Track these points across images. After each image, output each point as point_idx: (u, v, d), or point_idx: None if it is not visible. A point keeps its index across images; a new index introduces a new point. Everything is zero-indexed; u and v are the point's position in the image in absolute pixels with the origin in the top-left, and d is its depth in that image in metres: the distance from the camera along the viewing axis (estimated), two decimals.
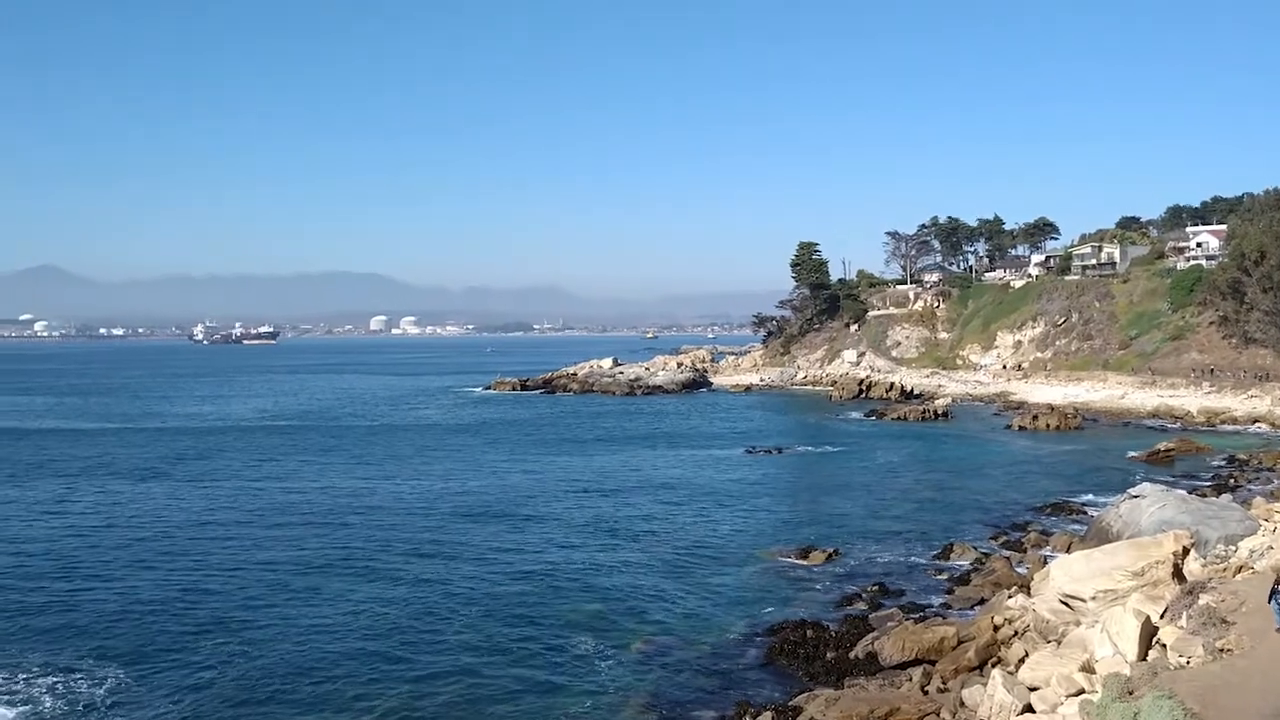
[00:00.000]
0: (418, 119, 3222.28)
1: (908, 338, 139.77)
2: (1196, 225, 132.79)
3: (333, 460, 68.51)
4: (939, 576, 36.16)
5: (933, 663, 24.98)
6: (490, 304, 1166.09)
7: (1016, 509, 48.84)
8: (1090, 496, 51.01)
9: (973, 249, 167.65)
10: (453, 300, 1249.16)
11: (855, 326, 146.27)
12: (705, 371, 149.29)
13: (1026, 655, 22.44)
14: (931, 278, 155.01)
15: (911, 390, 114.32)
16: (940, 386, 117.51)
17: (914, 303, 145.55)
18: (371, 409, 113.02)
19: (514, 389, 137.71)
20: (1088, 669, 19.34)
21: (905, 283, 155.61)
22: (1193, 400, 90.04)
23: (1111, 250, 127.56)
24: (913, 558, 39.12)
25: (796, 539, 42.05)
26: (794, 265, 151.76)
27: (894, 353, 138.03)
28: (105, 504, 51.60)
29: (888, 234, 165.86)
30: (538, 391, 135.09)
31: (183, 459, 69.47)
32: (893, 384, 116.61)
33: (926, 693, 22.98)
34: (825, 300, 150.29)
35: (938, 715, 21.25)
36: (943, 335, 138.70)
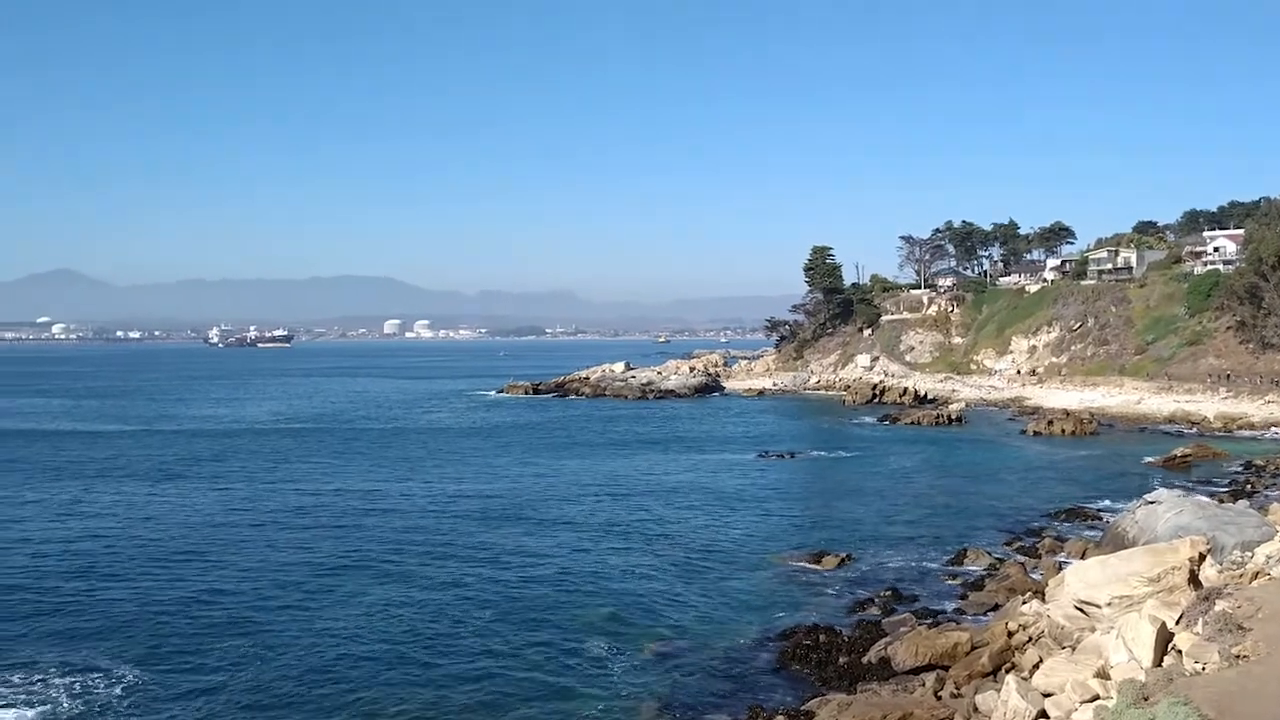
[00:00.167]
0: (431, 122, 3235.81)
1: (921, 342, 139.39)
2: (1213, 230, 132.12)
3: (347, 463, 68.78)
4: (953, 582, 36.03)
5: (946, 668, 24.89)
6: (503, 308, 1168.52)
7: (1031, 514, 48.62)
8: (1106, 502, 50.71)
9: (987, 253, 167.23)
10: (466, 304, 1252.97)
11: (869, 331, 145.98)
12: (718, 376, 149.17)
13: (1041, 661, 22.34)
14: (946, 282, 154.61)
15: (925, 395, 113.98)
16: (954, 391, 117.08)
17: (928, 307, 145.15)
18: (385, 412, 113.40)
19: (526, 393, 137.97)
20: (1102, 675, 19.24)
21: (919, 287, 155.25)
22: (1209, 405, 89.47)
23: (1128, 255, 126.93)
24: (926, 563, 38.99)
25: (809, 543, 41.97)
26: (807, 269, 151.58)
27: (908, 357, 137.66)
28: (122, 505, 51.95)
29: (902, 238, 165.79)
30: (550, 395, 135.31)
31: (198, 461, 69.87)
32: (906, 389, 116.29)
33: (940, 698, 22.89)
34: (839, 305, 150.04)
35: None
36: (957, 340, 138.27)
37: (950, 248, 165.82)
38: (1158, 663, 18.81)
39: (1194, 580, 23.56)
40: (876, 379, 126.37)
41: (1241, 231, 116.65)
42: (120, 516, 48.88)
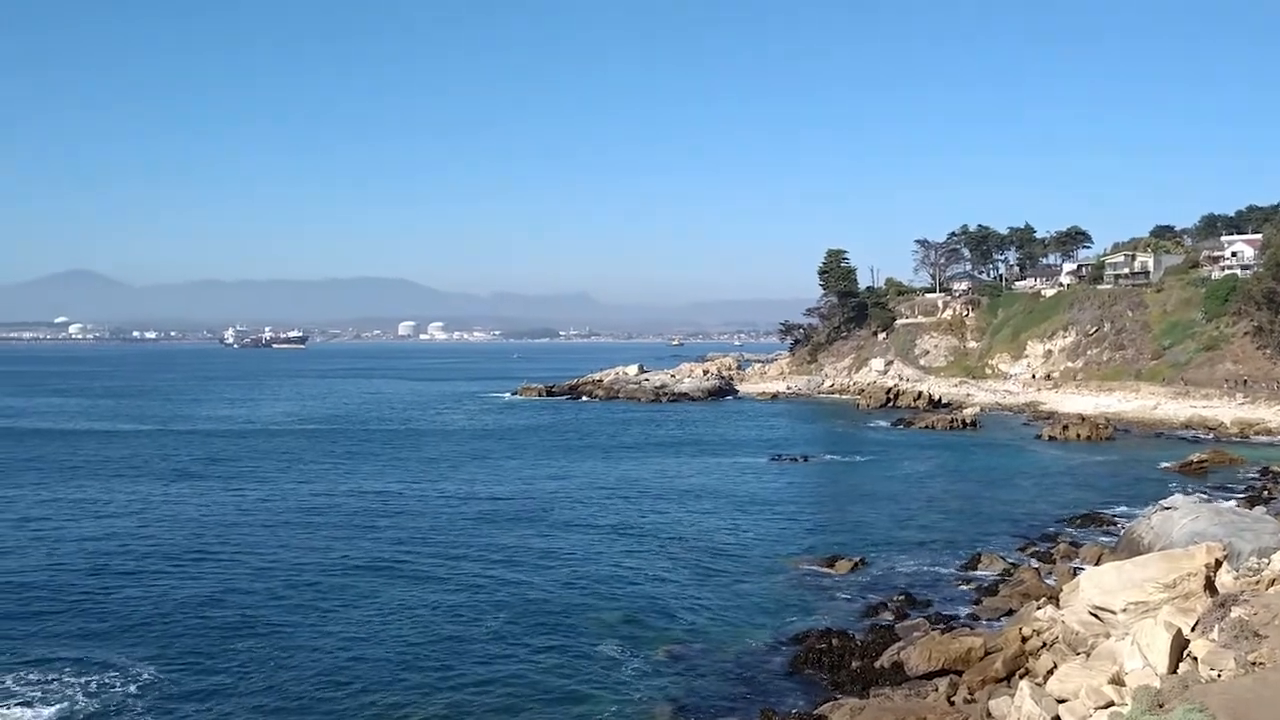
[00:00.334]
0: (447, 123, 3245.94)
1: (936, 346, 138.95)
2: (1231, 234, 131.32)
3: (361, 464, 69.05)
4: (966, 587, 35.93)
5: (959, 673, 24.83)
6: (517, 310, 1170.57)
7: (1046, 520, 48.42)
8: (1121, 508, 50.47)
9: (1003, 257, 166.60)
10: (480, 306, 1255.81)
11: (883, 335, 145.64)
12: (731, 379, 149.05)
13: (1055, 667, 22.25)
14: (961, 286, 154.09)
15: (940, 399, 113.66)
16: (969, 396, 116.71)
17: (943, 311, 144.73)
18: (399, 413, 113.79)
19: (540, 395, 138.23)
20: (1117, 681, 19.16)
21: (934, 291, 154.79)
22: (1226, 411, 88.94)
23: (1145, 259, 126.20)
24: (940, 568, 38.89)
25: (822, 547, 41.92)
26: (822, 273, 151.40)
27: (922, 361, 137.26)
28: (137, 505, 52.30)
29: (917, 242, 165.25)
30: (563, 397, 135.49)
31: (214, 461, 70.28)
32: (921, 393, 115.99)
33: (953, 703, 22.84)
34: (853, 308, 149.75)
35: None
36: (972, 344, 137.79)
37: (966, 251, 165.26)
38: (1173, 669, 18.72)
39: (1210, 586, 23.42)
40: (891, 383, 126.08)
41: (1259, 236, 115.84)
42: (136, 516, 49.22)
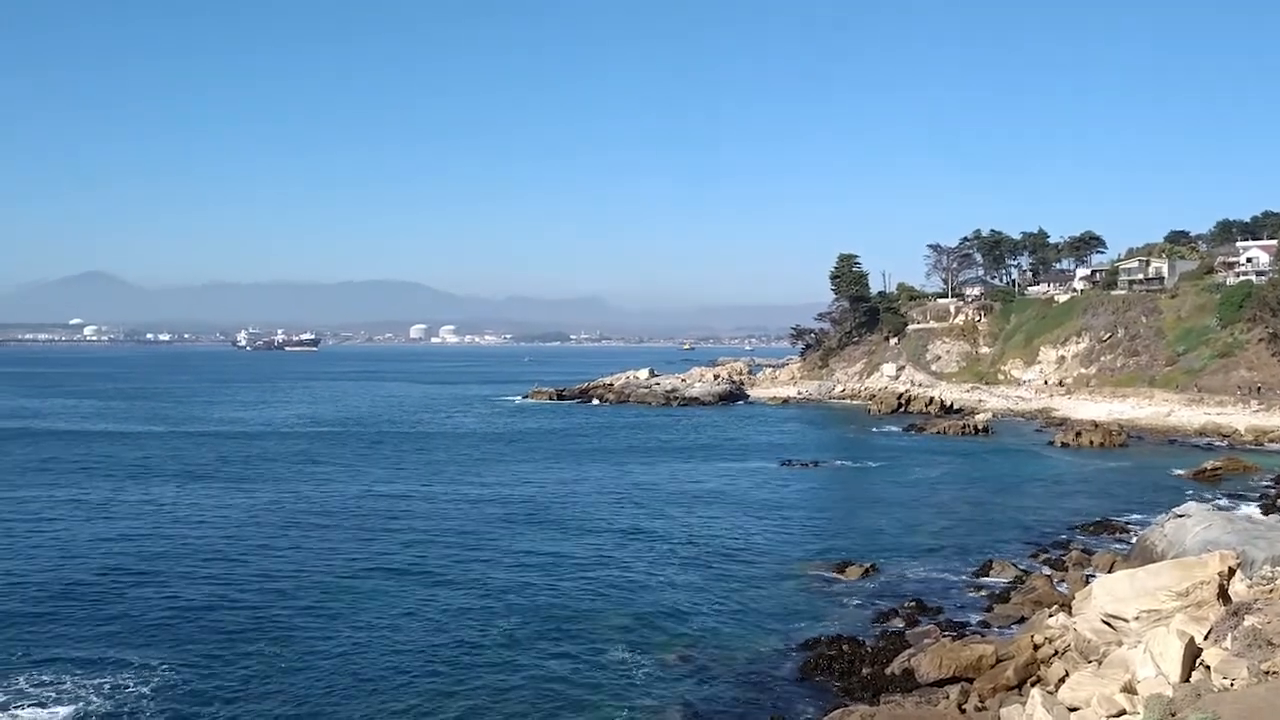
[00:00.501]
0: (459, 127, 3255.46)
1: (948, 352, 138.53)
2: (1246, 240, 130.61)
3: (372, 467, 69.25)
4: (978, 594, 35.82)
5: (971, 681, 24.76)
6: (528, 314, 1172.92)
7: (1058, 527, 48.23)
8: (1134, 515, 50.23)
9: (1016, 262, 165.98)
10: (491, 309, 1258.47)
11: (895, 340, 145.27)
12: (742, 383, 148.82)
13: (1067, 675, 22.16)
14: (973, 291, 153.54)
15: (951, 405, 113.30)
16: (981, 401, 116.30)
17: (955, 316, 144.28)
18: (411, 416, 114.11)
19: (551, 398, 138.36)
20: (1129, 690, 19.08)
21: (946, 296, 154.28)
22: (1241, 418, 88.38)
23: (1159, 265, 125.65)
24: (951, 574, 38.78)
25: (833, 553, 41.85)
26: (833, 277, 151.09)
27: (934, 367, 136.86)
28: (150, 506, 52.57)
29: (929, 247, 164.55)
30: (574, 401, 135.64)
31: (226, 462, 70.60)
32: (932, 398, 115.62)
33: (964, 711, 22.77)
34: (864, 313, 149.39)
35: None
36: (984, 350, 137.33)
37: (978, 256, 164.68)
38: (1185, 678, 18.64)
39: (1223, 595, 23.31)
40: (902, 388, 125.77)
41: (1275, 242, 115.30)
42: (148, 517, 49.47)
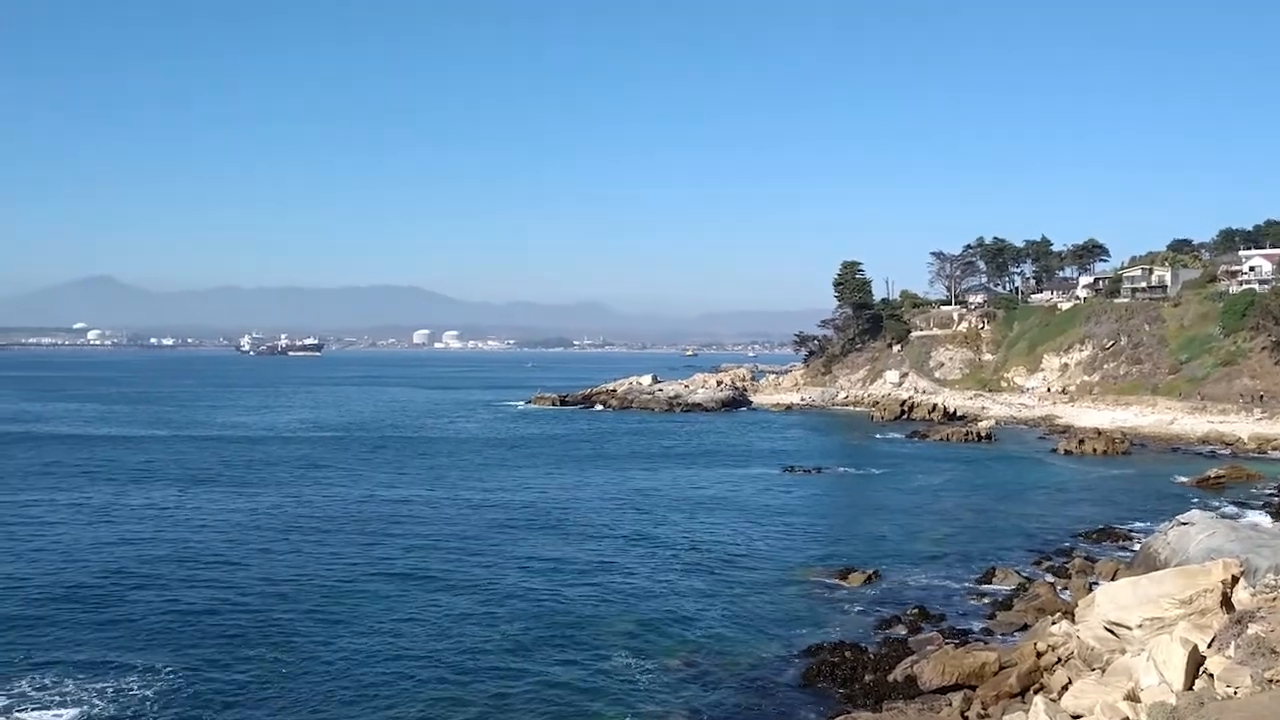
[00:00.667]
0: (463, 133, 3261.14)
1: (951, 359, 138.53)
2: (1249, 248, 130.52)
3: (375, 472, 69.31)
4: (981, 601, 35.78)
5: (973, 688, 24.73)
6: (531, 319, 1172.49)
7: (1061, 534, 48.17)
8: (1137, 523, 50.17)
9: (1019, 270, 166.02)
10: (494, 315, 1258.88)
11: (898, 347, 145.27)
12: (745, 390, 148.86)
13: (1070, 683, 22.15)
14: (976, 299, 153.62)
15: (954, 412, 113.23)
16: (984, 409, 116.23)
17: (958, 324, 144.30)
18: (414, 421, 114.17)
19: (554, 404, 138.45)
20: (1132, 698, 19.05)
21: (950, 303, 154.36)
22: (1244, 426, 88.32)
23: (1162, 273, 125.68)
24: (954, 581, 38.74)
25: (836, 559, 41.82)
26: (837, 284, 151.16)
27: (937, 374, 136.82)
28: (153, 510, 52.63)
29: (932, 254, 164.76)
30: (577, 407, 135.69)
31: (229, 466, 70.68)
32: (935, 405, 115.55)
33: (966, 718, 22.75)
34: (868, 320, 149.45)
35: None
36: (987, 357, 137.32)
37: (981, 264, 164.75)
38: (1189, 686, 18.61)
39: (1226, 603, 23.28)
40: (905, 395, 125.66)
41: (1278, 251, 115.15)
42: (151, 521, 49.52)
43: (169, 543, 44.15)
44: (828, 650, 28.94)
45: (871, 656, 28.38)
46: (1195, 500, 54.84)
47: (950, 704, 23.67)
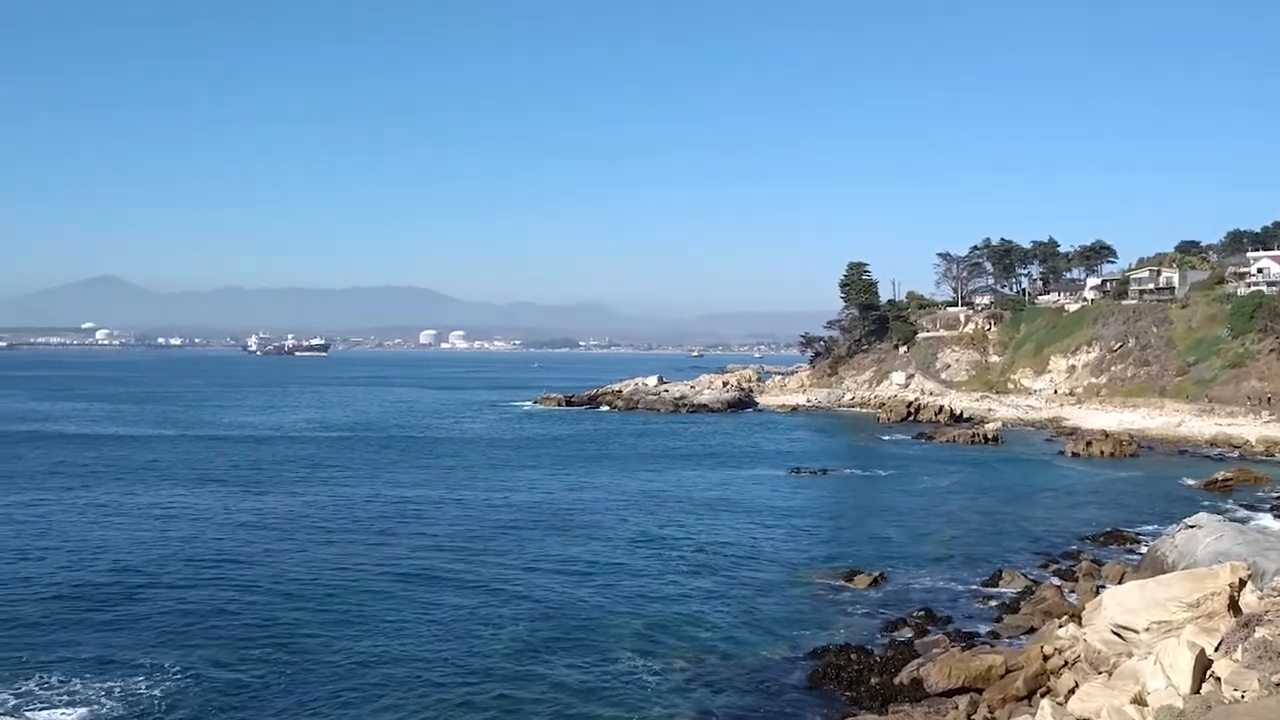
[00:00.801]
0: (463, 133, 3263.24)
1: (958, 360, 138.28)
2: (1257, 250, 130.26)
3: (381, 472, 69.41)
4: (987, 604, 35.71)
5: (980, 691, 24.68)
6: (537, 320, 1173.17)
7: (1068, 537, 48.06)
8: (1145, 526, 50.04)
9: (1026, 271, 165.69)
10: (500, 316, 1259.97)
11: (904, 348, 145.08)
12: (751, 391, 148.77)
13: (1077, 686, 22.10)
14: (983, 300, 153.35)
15: (961, 414, 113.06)
16: (991, 410, 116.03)
17: (965, 325, 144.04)
18: (420, 421, 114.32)
19: (559, 405, 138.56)
20: (1139, 701, 19.02)
21: (956, 305, 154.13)
22: (1252, 429, 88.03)
23: (1170, 275, 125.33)
24: (960, 584, 38.66)
25: (842, 561, 41.77)
26: (843, 285, 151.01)
27: (943, 375, 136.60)
28: (160, 510, 52.75)
29: (939, 255, 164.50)
30: (583, 407, 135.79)
31: (236, 466, 70.84)
32: (942, 407, 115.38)
33: None
34: (874, 321, 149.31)
35: None
36: (994, 358, 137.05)
37: (988, 265, 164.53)
38: (1196, 689, 18.57)
39: (1234, 606, 23.23)
40: (912, 397, 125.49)
41: None
42: (158, 521, 49.65)
43: (176, 542, 44.29)
44: (834, 652, 28.90)
45: (877, 659, 28.34)
46: (1203, 503, 54.63)
47: (956, 707, 23.64)
